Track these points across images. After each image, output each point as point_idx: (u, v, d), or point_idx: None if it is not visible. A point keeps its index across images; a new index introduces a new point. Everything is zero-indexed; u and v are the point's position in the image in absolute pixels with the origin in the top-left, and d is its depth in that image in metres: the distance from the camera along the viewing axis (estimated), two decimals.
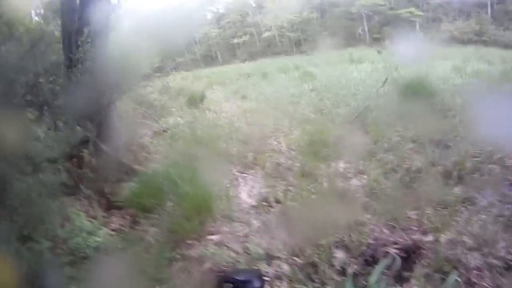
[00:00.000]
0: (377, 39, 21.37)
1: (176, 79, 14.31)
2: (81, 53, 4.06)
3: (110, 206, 4.03)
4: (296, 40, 23.52)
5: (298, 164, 4.24)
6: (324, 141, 4.81)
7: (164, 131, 6.68)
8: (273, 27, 23.41)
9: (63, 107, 4.08)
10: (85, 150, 4.20)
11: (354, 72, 10.47)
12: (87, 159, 4.23)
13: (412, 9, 23.03)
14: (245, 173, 4.34)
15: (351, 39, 21.75)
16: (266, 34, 23.21)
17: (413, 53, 14.92)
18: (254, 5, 24.84)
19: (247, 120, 6.55)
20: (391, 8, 23.75)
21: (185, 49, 23.79)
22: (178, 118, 7.60)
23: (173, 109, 8.28)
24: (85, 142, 4.36)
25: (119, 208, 3.95)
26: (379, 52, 17.12)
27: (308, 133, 5.10)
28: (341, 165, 4.17)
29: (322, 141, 4.80)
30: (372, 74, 10.07)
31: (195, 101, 8.52)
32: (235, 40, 24.00)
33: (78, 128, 4.27)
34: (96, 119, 4.44)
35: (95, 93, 4.25)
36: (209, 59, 24.37)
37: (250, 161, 4.56)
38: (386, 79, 6.45)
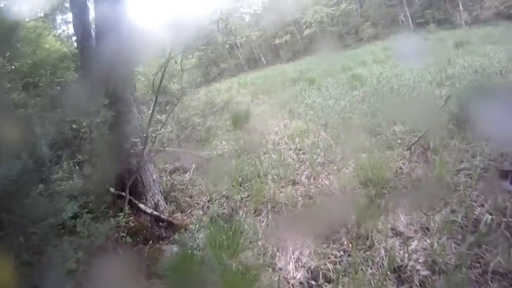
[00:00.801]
0: (420, 24, 19.60)
1: (220, 91, 13.78)
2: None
3: (150, 273, 3.56)
4: (338, 34, 22.16)
5: (353, 219, 3.44)
6: (382, 179, 4.01)
7: (207, 160, 6.13)
8: (313, 23, 22.21)
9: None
10: (121, 214, 3.75)
11: (406, 72, 9.26)
12: (123, 221, 3.78)
13: None
14: (294, 230, 3.64)
15: (394, 27, 20.05)
16: (307, 31, 22.04)
17: (461, 38, 13.28)
18: (290, 2, 23.73)
19: (295, 146, 5.77)
20: None
21: (228, 54, 23.40)
22: (223, 142, 7.01)
23: (218, 132, 7.71)
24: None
25: (159, 276, 3.46)
26: (425, 39, 15.48)
27: (363, 167, 4.28)
28: (402, 218, 3.35)
29: (379, 180, 4.00)
30: (425, 72, 8.81)
31: (240, 120, 7.84)
32: (277, 41, 23.12)
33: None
34: (131, 178, 3.98)
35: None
36: (252, 62, 23.75)
37: (299, 212, 3.86)
38: (448, 97, 5.34)
